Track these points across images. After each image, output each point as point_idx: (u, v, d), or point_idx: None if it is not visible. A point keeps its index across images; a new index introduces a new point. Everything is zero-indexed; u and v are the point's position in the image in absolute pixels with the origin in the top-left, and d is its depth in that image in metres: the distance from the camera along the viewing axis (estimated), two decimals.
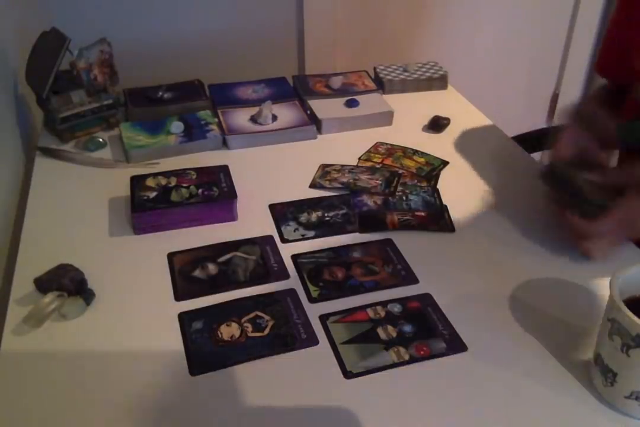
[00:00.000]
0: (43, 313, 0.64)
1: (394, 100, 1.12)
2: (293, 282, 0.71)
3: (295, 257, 0.75)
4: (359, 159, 0.96)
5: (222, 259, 0.74)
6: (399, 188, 0.88)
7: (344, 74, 1.18)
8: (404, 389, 0.58)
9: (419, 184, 0.89)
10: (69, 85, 0.96)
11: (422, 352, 0.61)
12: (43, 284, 0.67)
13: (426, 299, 0.68)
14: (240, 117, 1.03)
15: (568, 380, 0.59)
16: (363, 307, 0.67)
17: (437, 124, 1.04)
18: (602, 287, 0.70)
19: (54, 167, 0.92)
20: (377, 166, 0.93)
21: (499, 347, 0.62)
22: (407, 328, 0.64)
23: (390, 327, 0.64)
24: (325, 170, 0.92)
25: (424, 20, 1.74)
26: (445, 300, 0.68)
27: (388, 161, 0.94)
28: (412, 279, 0.71)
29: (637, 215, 0.70)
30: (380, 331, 0.64)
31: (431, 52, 1.78)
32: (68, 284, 0.67)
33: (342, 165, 0.93)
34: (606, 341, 0.54)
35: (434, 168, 0.93)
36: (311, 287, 0.70)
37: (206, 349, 0.62)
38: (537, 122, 2.03)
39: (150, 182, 0.83)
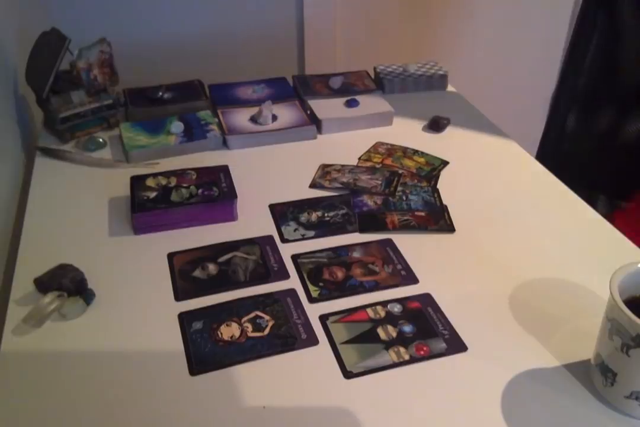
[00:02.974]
0: (43, 313, 0.64)
1: (394, 100, 1.12)
2: (293, 282, 0.71)
3: (295, 257, 0.75)
4: (359, 159, 0.96)
5: (222, 259, 0.74)
6: (399, 188, 0.88)
7: (344, 74, 1.18)
8: (404, 389, 0.58)
9: (419, 184, 0.89)
10: (69, 85, 0.96)
11: (422, 352, 0.61)
12: (43, 284, 0.67)
13: (426, 299, 0.68)
14: (240, 117, 1.03)
15: (568, 380, 0.59)
16: (363, 307, 0.67)
17: (437, 124, 1.04)
18: (602, 287, 0.70)
19: (54, 167, 0.92)
20: (377, 166, 0.93)
21: (499, 347, 0.62)
22: (407, 328, 0.64)
23: (390, 327, 0.64)
24: (325, 170, 0.92)
25: (423, 20, 1.74)
26: (445, 300, 0.68)
27: (388, 161, 0.94)
28: (412, 279, 0.71)
29: None
30: (380, 331, 0.64)
31: (431, 52, 1.78)
32: (68, 284, 0.67)
33: (342, 165, 0.93)
34: (606, 341, 0.54)
35: (434, 168, 0.93)
36: (311, 287, 0.70)
37: (206, 349, 0.62)
38: (537, 122, 2.03)
39: (150, 182, 0.83)
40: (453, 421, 0.55)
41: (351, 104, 1.06)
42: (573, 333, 0.64)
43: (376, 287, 0.70)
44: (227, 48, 1.56)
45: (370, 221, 0.81)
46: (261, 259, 0.74)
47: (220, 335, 0.63)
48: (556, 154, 1.09)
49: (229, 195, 0.81)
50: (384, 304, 0.67)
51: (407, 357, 0.61)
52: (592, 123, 1.00)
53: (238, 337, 0.63)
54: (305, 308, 0.67)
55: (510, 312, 0.67)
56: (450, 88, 1.20)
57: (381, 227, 0.80)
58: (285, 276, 0.72)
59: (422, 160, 0.95)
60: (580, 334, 0.64)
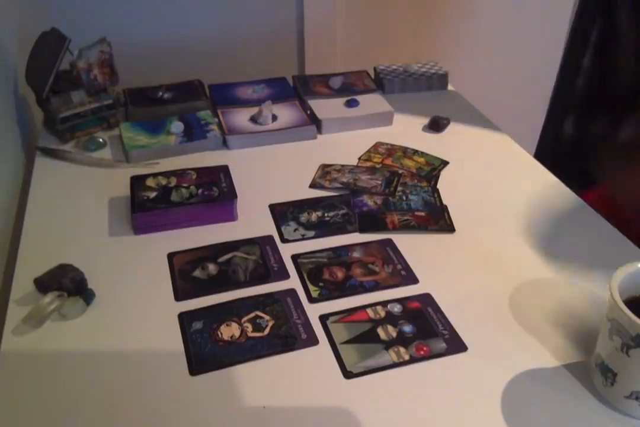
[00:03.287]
0: (43, 313, 0.64)
1: (394, 100, 1.12)
2: (293, 282, 0.71)
3: (295, 257, 0.75)
4: (359, 159, 0.96)
5: (222, 259, 0.74)
6: (399, 188, 0.88)
7: (344, 74, 1.18)
8: (404, 389, 0.58)
9: (419, 184, 0.89)
10: (69, 85, 0.96)
11: (422, 352, 0.61)
12: (43, 284, 0.67)
13: (426, 299, 0.68)
14: (240, 117, 1.03)
15: (568, 380, 0.59)
16: (363, 307, 0.67)
17: (437, 124, 1.04)
18: (602, 287, 0.70)
19: (54, 167, 0.92)
20: (377, 166, 0.93)
21: (499, 347, 0.62)
22: (407, 328, 0.64)
23: (390, 327, 0.64)
24: (325, 170, 0.92)
25: (424, 20, 1.74)
26: (445, 300, 0.68)
27: (388, 161, 0.94)
28: (412, 279, 0.71)
29: None
30: (380, 331, 0.64)
31: (431, 52, 1.78)
32: (68, 284, 0.67)
33: (342, 165, 0.93)
34: (606, 341, 0.54)
35: (434, 168, 0.93)
36: (311, 287, 0.70)
37: (206, 349, 0.62)
38: (537, 122, 2.03)
39: (150, 182, 0.83)
40: (453, 421, 0.55)
41: (351, 104, 1.06)
42: (573, 333, 0.64)
43: (376, 287, 0.70)
44: (227, 48, 1.56)
45: (370, 221, 0.81)
46: (261, 259, 0.74)
47: (220, 335, 0.63)
48: (555, 153, 1.09)
49: (229, 195, 0.81)
50: (384, 304, 0.67)
51: (407, 357, 0.61)
52: (590, 123, 1.00)
53: (238, 337, 0.63)
54: (305, 308, 0.67)
55: (510, 312, 0.67)
56: (450, 88, 1.20)
57: (381, 227, 0.80)
58: (285, 276, 0.72)
59: (422, 160, 0.95)
60: (580, 334, 0.64)
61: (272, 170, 0.93)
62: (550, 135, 1.06)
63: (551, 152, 1.05)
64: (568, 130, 0.98)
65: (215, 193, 0.81)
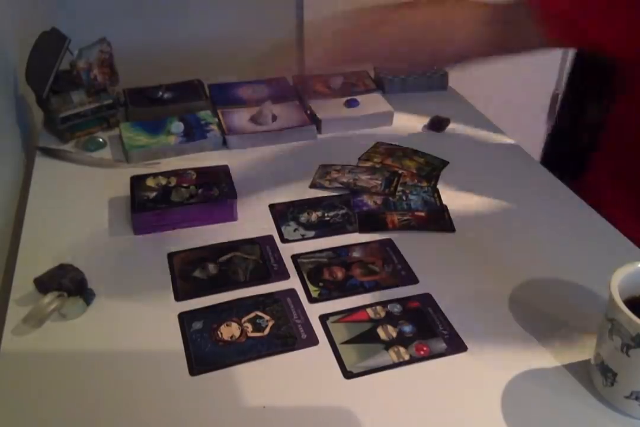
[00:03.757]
0: (43, 313, 0.64)
1: (394, 100, 1.12)
2: (293, 282, 0.71)
3: (295, 257, 0.75)
4: (359, 159, 0.96)
5: (222, 259, 0.74)
6: (399, 188, 0.88)
7: (344, 74, 1.18)
8: (404, 389, 0.58)
9: (419, 184, 0.89)
10: (69, 85, 0.96)
11: (422, 352, 0.61)
12: (43, 284, 0.67)
13: (426, 299, 0.68)
14: (240, 117, 1.03)
15: (568, 380, 0.59)
16: (363, 307, 0.67)
17: (437, 124, 1.04)
18: (602, 287, 0.70)
19: (54, 167, 0.92)
20: (377, 166, 0.93)
21: (499, 347, 0.62)
22: (407, 328, 0.64)
23: (390, 327, 0.64)
24: (325, 170, 0.92)
25: None
26: (445, 300, 0.68)
27: (388, 161, 0.94)
28: (412, 279, 0.71)
29: None
30: (380, 331, 0.64)
31: None
32: (68, 284, 0.67)
33: (342, 165, 0.93)
34: (606, 341, 0.54)
35: (434, 168, 0.93)
36: (311, 287, 0.70)
37: (206, 349, 0.62)
38: (537, 122, 2.03)
39: (150, 182, 0.83)
40: (453, 421, 0.55)
41: (351, 104, 1.06)
42: (573, 333, 0.64)
43: (376, 287, 0.70)
44: (227, 48, 1.55)
45: (370, 221, 0.81)
46: (261, 259, 0.74)
47: (220, 335, 0.63)
48: (556, 154, 1.09)
49: (229, 195, 0.81)
50: (384, 304, 0.67)
51: (407, 357, 0.61)
52: (591, 123, 1.00)
53: (238, 337, 0.63)
54: (305, 308, 0.67)
55: (510, 312, 0.67)
56: (450, 88, 1.20)
57: (381, 227, 0.80)
58: (285, 276, 0.72)
59: (422, 160, 0.95)
60: (580, 334, 0.64)
61: (272, 170, 0.93)
62: (551, 136, 1.06)
63: (552, 152, 1.05)
64: (569, 130, 0.98)
65: (215, 193, 0.81)
